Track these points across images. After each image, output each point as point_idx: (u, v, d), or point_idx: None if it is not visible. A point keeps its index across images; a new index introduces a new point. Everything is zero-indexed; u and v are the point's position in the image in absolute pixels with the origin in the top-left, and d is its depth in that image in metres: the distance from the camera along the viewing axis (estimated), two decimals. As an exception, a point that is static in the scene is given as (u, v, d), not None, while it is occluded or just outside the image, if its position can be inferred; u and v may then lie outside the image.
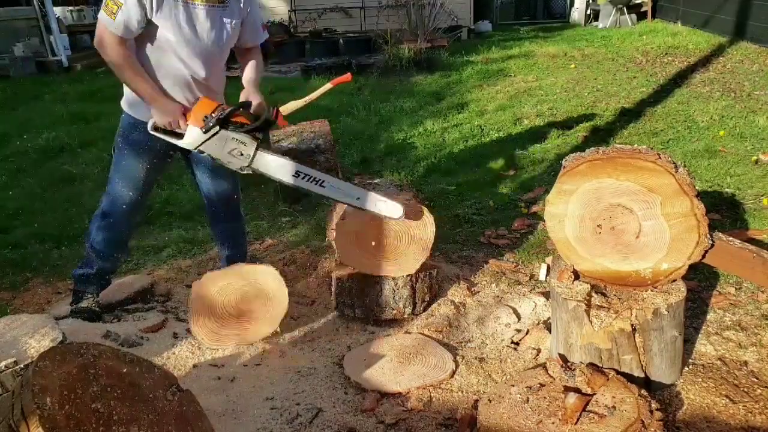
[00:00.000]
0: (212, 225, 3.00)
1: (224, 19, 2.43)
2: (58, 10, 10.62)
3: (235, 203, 2.89)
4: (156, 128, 2.45)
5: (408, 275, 2.69)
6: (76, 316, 2.73)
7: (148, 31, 2.32)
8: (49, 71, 9.54)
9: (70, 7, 11.58)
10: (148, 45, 2.37)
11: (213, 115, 2.36)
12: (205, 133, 2.37)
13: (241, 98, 2.53)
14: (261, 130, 2.46)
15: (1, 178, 4.98)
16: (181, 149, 2.60)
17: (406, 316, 2.72)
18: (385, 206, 2.52)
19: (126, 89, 2.51)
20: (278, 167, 2.47)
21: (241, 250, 3.00)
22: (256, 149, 2.43)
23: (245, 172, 2.49)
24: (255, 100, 2.50)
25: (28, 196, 4.56)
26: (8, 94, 7.80)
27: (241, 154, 2.41)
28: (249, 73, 2.63)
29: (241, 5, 2.48)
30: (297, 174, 2.47)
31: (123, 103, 2.57)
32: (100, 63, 10.59)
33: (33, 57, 9.76)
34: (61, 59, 9.70)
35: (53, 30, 9.67)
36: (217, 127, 2.37)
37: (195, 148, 2.43)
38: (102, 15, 2.26)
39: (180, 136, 2.44)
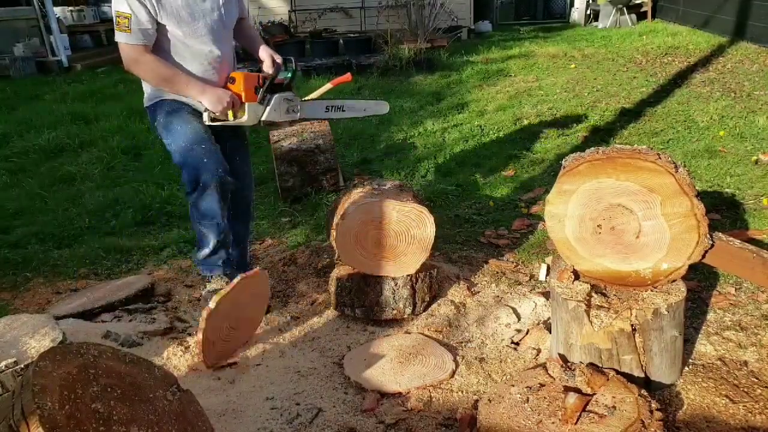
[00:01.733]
0: None
1: (223, 2, 2.48)
2: (58, 10, 10.62)
3: (247, 202, 2.88)
4: (213, 119, 2.50)
5: (408, 275, 2.69)
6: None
7: (158, 36, 2.36)
8: (49, 71, 9.55)
9: (70, 7, 11.58)
10: (161, 51, 2.39)
11: (262, 85, 2.53)
12: (262, 104, 2.54)
13: (267, 63, 2.64)
14: (291, 84, 2.70)
15: (1, 178, 4.98)
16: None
17: (406, 316, 2.72)
18: (379, 106, 3.12)
19: (145, 88, 2.55)
20: (315, 109, 2.83)
21: (245, 251, 2.99)
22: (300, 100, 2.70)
23: (295, 123, 2.81)
24: (278, 58, 2.65)
25: (28, 196, 4.56)
26: (8, 94, 7.80)
27: (294, 110, 2.65)
28: (255, 40, 2.75)
29: None
30: (327, 108, 2.87)
31: (145, 102, 2.60)
32: (100, 63, 10.62)
33: (33, 57, 9.78)
34: (61, 59, 9.71)
35: (53, 30, 9.68)
36: (269, 95, 2.55)
37: (258, 121, 2.57)
38: (118, 35, 2.30)
39: (236, 117, 2.54)
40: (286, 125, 2.77)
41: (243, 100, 2.48)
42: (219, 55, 2.48)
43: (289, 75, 2.63)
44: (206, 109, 2.45)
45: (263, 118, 2.55)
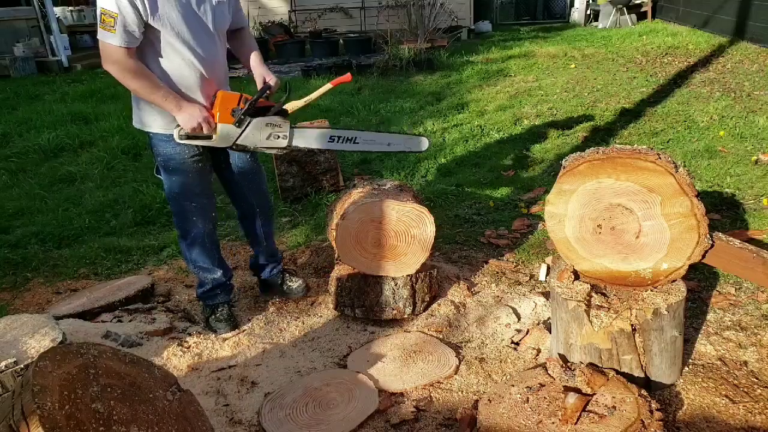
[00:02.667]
0: (243, 226, 2.94)
1: (216, 2, 2.40)
2: (58, 10, 10.63)
3: (265, 199, 2.85)
4: (182, 136, 2.40)
5: (408, 275, 2.69)
6: (214, 329, 2.75)
7: (147, 39, 2.27)
8: (49, 71, 9.55)
9: (70, 7, 11.61)
10: (152, 55, 2.32)
11: (240, 107, 2.37)
12: (238, 127, 2.38)
13: (258, 82, 2.53)
14: (284, 108, 2.48)
15: (1, 178, 4.98)
16: (210, 151, 2.56)
17: (406, 316, 2.72)
18: (412, 142, 2.72)
19: (134, 106, 2.46)
20: (315, 138, 2.58)
21: (272, 246, 2.99)
22: (290, 127, 2.48)
23: (285, 152, 2.53)
24: (271, 79, 2.51)
25: (28, 196, 4.56)
26: (8, 94, 7.80)
27: (278, 137, 2.44)
28: (251, 55, 2.61)
29: None
30: (332, 139, 2.58)
31: (135, 123, 2.50)
32: (100, 63, 10.59)
33: (33, 57, 9.78)
34: (61, 59, 9.71)
35: (53, 30, 9.68)
36: (249, 118, 2.38)
37: (232, 145, 2.42)
38: (101, 34, 2.20)
39: (208, 137, 2.42)
40: (274, 152, 2.49)
41: (216, 120, 2.38)
42: (209, 60, 2.40)
43: (284, 101, 2.45)
44: (178, 125, 2.37)
45: (237, 142, 2.40)
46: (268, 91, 2.47)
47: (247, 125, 2.39)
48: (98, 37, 2.23)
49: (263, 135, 2.42)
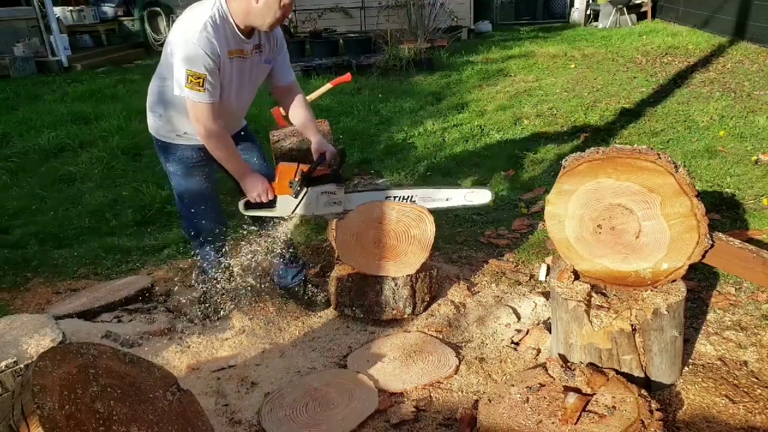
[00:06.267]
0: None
1: (261, 63, 2.51)
2: (58, 10, 10.62)
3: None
4: (247, 207, 2.55)
5: (408, 275, 2.69)
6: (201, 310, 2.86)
7: None
8: (49, 71, 9.55)
9: (70, 7, 11.58)
10: None
11: (296, 179, 2.50)
12: (296, 197, 2.52)
13: (314, 151, 2.63)
14: (340, 174, 2.59)
15: (1, 178, 4.98)
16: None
17: (406, 316, 2.72)
18: (474, 195, 2.70)
19: (149, 113, 2.54)
20: (369, 200, 2.69)
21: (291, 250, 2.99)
22: (345, 192, 2.61)
23: (341, 214, 2.65)
24: (326, 149, 2.60)
25: (28, 196, 4.56)
26: (8, 94, 7.80)
27: (334, 203, 2.58)
28: (305, 122, 2.69)
29: (275, 46, 2.54)
30: (388, 199, 2.69)
31: (151, 130, 2.58)
32: (100, 63, 10.62)
33: (33, 57, 9.78)
34: (61, 59, 9.72)
35: (53, 30, 9.69)
36: (305, 188, 2.52)
37: (292, 213, 2.56)
38: (191, 93, 2.26)
39: (268, 208, 2.56)
40: (332, 216, 2.64)
41: (275, 192, 2.52)
42: (235, 109, 2.52)
43: (337, 168, 2.56)
44: (242, 198, 2.52)
45: (294, 210, 2.56)
46: (322, 163, 2.57)
47: (304, 195, 2.53)
48: (184, 95, 2.29)
49: (320, 203, 2.57)
